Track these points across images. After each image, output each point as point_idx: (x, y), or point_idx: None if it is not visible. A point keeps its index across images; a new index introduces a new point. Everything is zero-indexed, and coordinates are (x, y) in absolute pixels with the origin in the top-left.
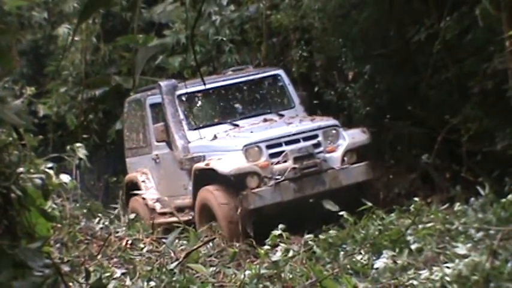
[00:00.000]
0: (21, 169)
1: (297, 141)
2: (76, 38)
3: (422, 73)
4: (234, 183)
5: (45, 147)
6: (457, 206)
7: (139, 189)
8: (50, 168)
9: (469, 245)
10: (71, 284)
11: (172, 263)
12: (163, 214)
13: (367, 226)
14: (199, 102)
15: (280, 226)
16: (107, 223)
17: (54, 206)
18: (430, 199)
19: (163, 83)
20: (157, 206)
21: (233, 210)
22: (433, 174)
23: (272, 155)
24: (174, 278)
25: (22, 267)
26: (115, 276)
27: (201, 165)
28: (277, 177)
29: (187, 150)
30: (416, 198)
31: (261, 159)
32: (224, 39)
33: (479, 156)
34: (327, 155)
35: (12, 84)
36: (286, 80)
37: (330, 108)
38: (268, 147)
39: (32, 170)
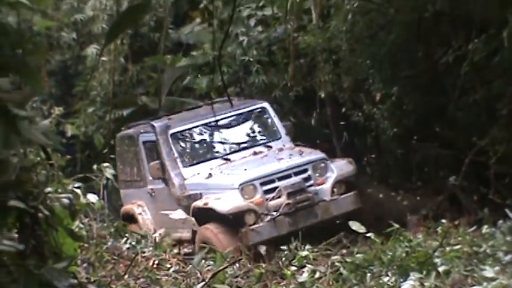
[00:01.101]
0: (49, 189)
1: (288, 176)
2: (104, 59)
3: (450, 95)
4: (232, 221)
5: (73, 167)
6: (485, 229)
7: (136, 221)
8: (77, 188)
9: (497, 268)
10: None
11: (198, 283)
12: None
13: (394, 248)
14: (191, 139)
15: (307, 247)
16: (133, 243)
17: (81, 225)
18: (458, 221)
19: (156, 124)
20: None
21: (234, 247)
22: (460, 196)
23: (266, 191)
24: None
25: (48, 287)
26: None
27: (199, 204)
28: (273, 213)
29: (183, 188)
30: (443, 220)
31: (256, 196)
32: (251, 60)
33: (507, 178)
34: (318, 188)
35: (40, 104)
36: (272, 112)
37: (357, 130)
38: (262, 184)
39: (59, 190)
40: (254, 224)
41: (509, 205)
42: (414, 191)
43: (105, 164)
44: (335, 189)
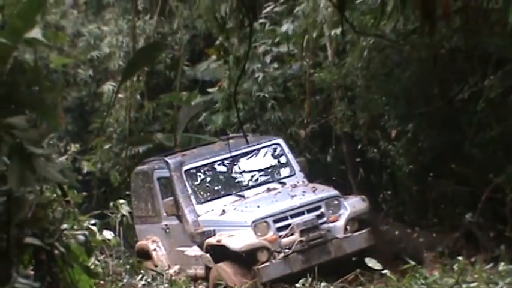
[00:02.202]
0: (64, 226)
1: (301, 213)
2: (120, 95)
3: (466, 131)
4: (245, 258)
5: (88, 203)
6: (502, 266)
7: (150, 257)
8: (93, 224)
9: None
10: None
11: None
12: None
13: (411, 285)
14: (205, 175)
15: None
16: (149, 280)
17: (97, 262)
18: (474, 258)
19: (170, 160)
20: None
21: (247, 285)
22: (477, 233)
23: (279, 229)
24: None
25: None
26: None
27: (212, 241)
28: (286, 250)
29: (197, 224)
30: (460, 257)
31: (269, 234)
32: (267, 96)
33: None
34: (331, 225)
35: (57, 141)
36: (286, 148)
37: (373, 166)
38: (275, 221)
39: (75, 227)
40: (267, 261)
41: None
42: (430, 228)
43: (121, 201)
44: (348, 227)
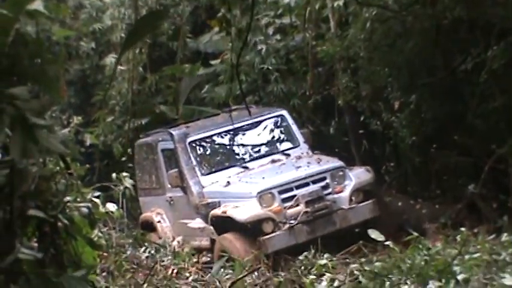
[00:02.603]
0: (68, 198)
1: (306, 184)
2: (123, 68)
3: (468, 102)
4: (251, 229)
5: (91, 176)
6: (504, 237)
7: (154, 229)
8: (96, 197)
9: None
10: None
11: None
12: None
13: (413, 256)
14: (209, 147)
15: (326, 255)
16: (152, 252)
17: (100, 234)
18: (477, 229)
19: (175, 132)
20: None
21: (252, 256)
22: (479, 204)
23: (284, 200)
24: None
25: None
26: None
27: (217, 212)
28: (291, 221)
29: (202, 196)
30: (462, 229)
31: (274, 205)
32: (270, 68)
33: None
34: (336, 196)
35: (59, 114)
36: (290, 119)
37: (376, 138)
38: (280, 192)
39: (78, 199)
40: (272, 232)
41: None
42: (433, 199)
43: (124, 174)
44: (353, 198)
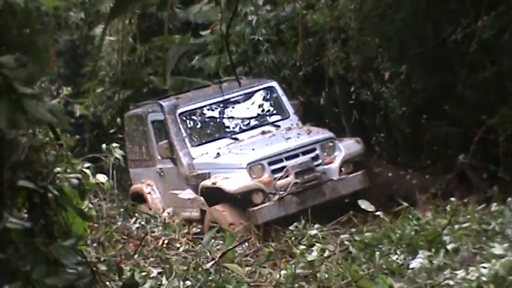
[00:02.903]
0: (58, 169)
1: (296, 155)
2: (112, 38)
3: (459, 73)
4: (240, 200)
5: (81, 147)
6: (494, 206)
7: (145, 200)
8: (86, 168)
9: (505, 245)
10: (107, 283)
11: (208, 262)
12: None
13: (403, 226)
14: (199, 118)
15: (316, 226)
16: (143, 223)
17: (90, 205)
18: (467, 199)
19: (165, 103)
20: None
21: (242, 227)
22: (469, 175)
23: (274, 171)
24: (209, 278)
25: (56, 265)
26: (151, 276)
27: (207, 183)
28: (281, 192)
29: (192, 167)
30: (452, 199)
31: (264, 176)
32: (260, 39)
33: None
34: (325, 167)
35: (49, 85)
36: (280, 91)
37: (366, 109)
38: (270, 163)
39: (68, 170)
40: (262, 203)
41: None
42: (423, 170)
43: (114, 144)
44: (343, 169)
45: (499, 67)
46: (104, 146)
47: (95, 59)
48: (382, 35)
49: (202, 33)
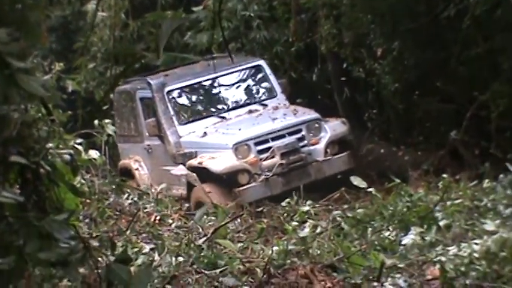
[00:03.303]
0: (50, 144)
1: (282, 136)
2: (105, 14)
3: (451, 49)
4: (226, 180)
5: (74, 123)
6: (486, 183)
7: (133, 176)
8: (79, 144)
9: (497, 222)
10: (99, 258)
11: (200, 238)
12: None
13: (396, 203)
14: (187, 96)
15: (308, 202)
16: (135, 199)
17: (83, 181)
18: (459, 176)
19: (152, 81)
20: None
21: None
22: (462, 151)
23: (260, 151)
24: (202, 254)
25: (49, 239)
26: (143, 252)
27: (194, 162)
28: (266, 172)
29: (179, 146)
30: (444, 175)
31: (250, 156)
32: (252, 15)
33: (508, 132)
34: (311, 148)
35: (41, 60)
36: (268, 69)
37: (359, 85)
38: (256, 144)
39: (61, 146)
40: (247, 183)
41: (510, 159)
42: (415, 146)
43: (107, 120)
44: (328, 150)
45: (491, 43)
46: (96, 122)
47: (87, 35)
48: (375, 11)
49: (195, 9)
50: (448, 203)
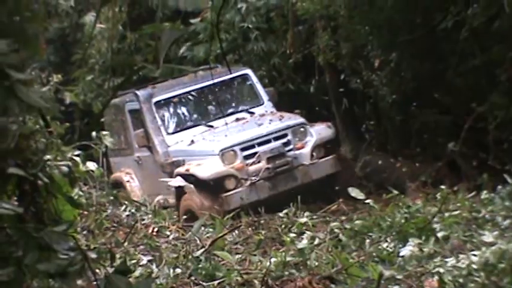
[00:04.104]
0: (48, 156)
1: (268, 141)
2: (102, 26)
3: (449, 60)
4: (213, 186)
5: (71, 135)
6: (484, 194)
7: (124, 188)
8: (76, 155)
9: (496, 233)
10: (97, 270)
11: (198, 250)
12: None
13: (394, 214)
14: (175, 107)
15: (306, 214)
16: (133, 211)
17: (81, 193)
18: (457, 187)
19: (140, 92)
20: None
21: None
22: (460, 162)
23: (246, 157)
24: (200, 265)
25: (48, 250)
26: (141, 263)
27: (181, 170)
28: (253, 177)
29: (167, 155)
30: (442, 186)
31: (237, 162)
32: (250, 27)
33: (506, 144)
34: (297, 152)
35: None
36: (255, 78)
37: (356, 96)
38: (243, 149)
39: (58, 158)
40: (234, 189)
41: (508, 170)
42: (413, 158)
43: (104, 132)
44: (314, 153)
45: (489, 55)
46: (93, 133)
47: (85, 47)
48: (372, 22)
49: (192, 21)
50: (446, 214)
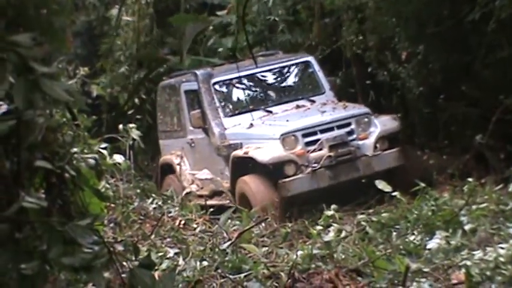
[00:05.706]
0: (75, 149)
1: (331, 129)
2: (129, 19)
3: (476, 52)
4: (272, 171)
5: (99, 127)
6: (511, 187)
7: (174, 171)
8: (103, 148)
9: None
10: (124, 263)
11: (224, 243)
12: (200, 196)
13: (420, 207)
14: (234, 89)
15: (333, 206)
16: (160, 203)
17: (107, 186)
18: (484, 180)
19: (199, 72)
20: (194, 188)
21: (270, 199)
22: (487, 155)
23: (308, 143)
24: (226, 258)
25: (72, 244)
26: (168, 256)
27: (239, 153)
28: (314, 165)
29: (224, 137)
30: (470, 179)
31: (298, 148)
32: (276, 19)
33: None
34: (360, 142)
35: (66, 65)
36: (316, 66)
37: (383, 89)
38: (304, 135)
39: (85, 150)
40: (294, 175)
41: None
42: (441, 150)
43: (131, 125)
44: (378, 145)
45: None
46: (120, 126)
47: (112, 37)
48: (399, 14)
49: (219, 13)
50: (474, 207)
